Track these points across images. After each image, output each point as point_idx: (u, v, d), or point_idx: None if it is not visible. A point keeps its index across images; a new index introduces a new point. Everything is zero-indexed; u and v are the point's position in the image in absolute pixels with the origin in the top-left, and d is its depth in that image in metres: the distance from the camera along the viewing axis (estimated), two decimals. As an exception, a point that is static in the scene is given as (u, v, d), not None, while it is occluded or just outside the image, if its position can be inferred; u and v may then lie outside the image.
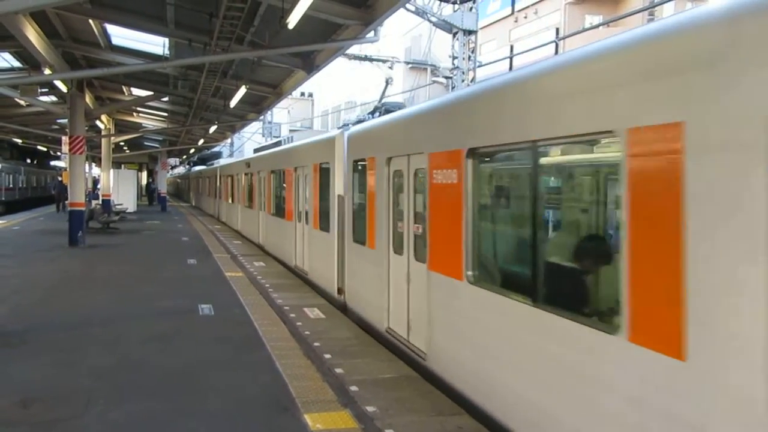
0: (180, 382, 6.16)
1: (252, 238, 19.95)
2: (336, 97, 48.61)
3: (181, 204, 50.85)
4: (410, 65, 34.69)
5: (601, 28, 21.55)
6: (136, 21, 13.47)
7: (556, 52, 18.85)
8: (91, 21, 13.82)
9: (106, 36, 15.64)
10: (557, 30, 29.04)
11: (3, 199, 39.48)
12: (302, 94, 60.00)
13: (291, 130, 51.81)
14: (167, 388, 5.98)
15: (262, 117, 30.46)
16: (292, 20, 9.70)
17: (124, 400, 5.58)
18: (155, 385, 6.06)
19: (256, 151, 25.68)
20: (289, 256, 14.39)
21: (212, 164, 41.42)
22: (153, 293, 10.84)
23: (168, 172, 53.71)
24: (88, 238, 18.18)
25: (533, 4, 31.09)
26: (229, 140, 44.63)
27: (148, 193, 49.70)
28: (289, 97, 34.77)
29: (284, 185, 14.93)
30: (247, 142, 45.41)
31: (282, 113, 50.55)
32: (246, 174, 21.47)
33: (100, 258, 15.53)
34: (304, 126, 53.51)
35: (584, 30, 19.44)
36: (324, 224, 11.12)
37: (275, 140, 29.82)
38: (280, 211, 15.55)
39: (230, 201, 26.13)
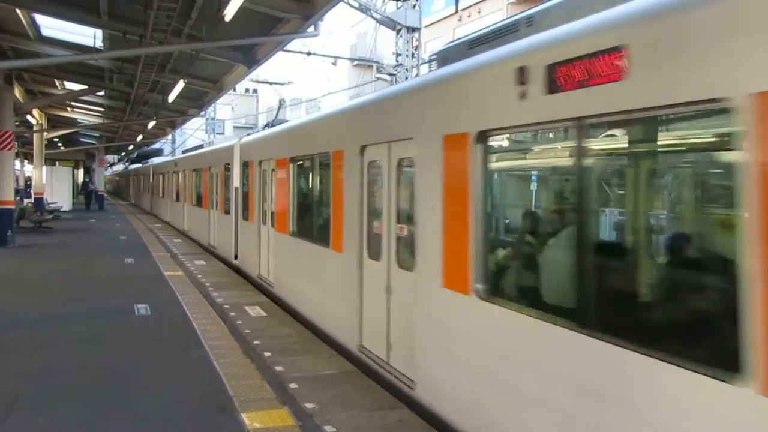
0: (112, 384, 5.95)
1: (177, 226, 23.26)
2: (281, 93, 47.96)
3: (120, 202, 49.27)
4: (355, 62, 34.61)
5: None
6: (66, 11, 12.90)
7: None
8: (18, 10, 13.16)
9: (35, 26, 14.91)
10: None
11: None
12: (247, 90, 58.95)
13: (235, 127, 50.96)
14: (98, 391, 5.77)
15: (203, 113, 29.77)
16: (229, 12, 9.52)
17: (52, 405, 5.36)
18: (85, 388, 5.83)
19: (184, 152, 29.35)
20: (205, 238, 17.46)
21: (146, 163, 40.87)
22: (87, 294, 10.46)
23: (105, 169, 51.38)
24: (18, 238, 17.40)
25: (476, 3, 31.47)
26: (170, 136, 43.32)
27: (85, 194, 41.00)
28: (233, 93, 34.04)
29: (202, 181, 18.39)
30: (189, 138, 44.23)
31: (225, 109, 49.56)
32: (174, 172, 24.76)
33: (31, 258, 14.87)
34: (249, 123, 52.61)
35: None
36: (227, 208, 14.54)
37: (214, 139, 30.97)
38: (199, 201, 19.02)
39: (161, 196, 29.36)
